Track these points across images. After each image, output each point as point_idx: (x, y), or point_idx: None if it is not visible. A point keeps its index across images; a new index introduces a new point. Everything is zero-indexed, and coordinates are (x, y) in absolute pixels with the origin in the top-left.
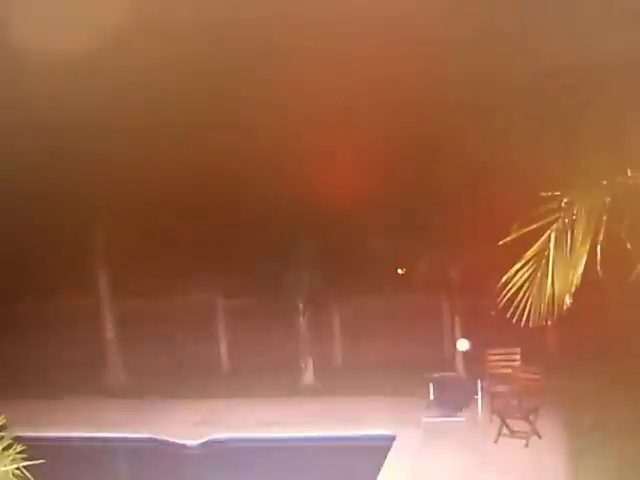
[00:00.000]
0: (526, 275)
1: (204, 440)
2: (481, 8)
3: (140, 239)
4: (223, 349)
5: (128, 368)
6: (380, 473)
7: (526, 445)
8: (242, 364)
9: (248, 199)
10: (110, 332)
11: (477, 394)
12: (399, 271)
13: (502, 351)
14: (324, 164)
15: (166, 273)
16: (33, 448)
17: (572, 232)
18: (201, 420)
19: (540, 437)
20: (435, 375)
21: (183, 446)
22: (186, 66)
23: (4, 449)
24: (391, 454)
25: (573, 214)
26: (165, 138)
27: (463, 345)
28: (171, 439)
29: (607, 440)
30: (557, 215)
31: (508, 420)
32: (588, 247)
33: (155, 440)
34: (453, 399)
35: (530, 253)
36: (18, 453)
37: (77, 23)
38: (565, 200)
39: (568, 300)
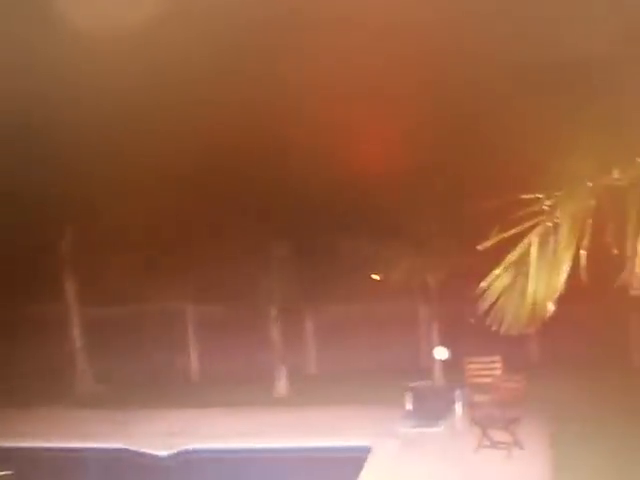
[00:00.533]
0: (507, 281)
1: (176, 451)
2: None
3: (109, 245)
4: (194, 357)
5: (97, 377)
6: None
7: (508, 456)
8: (214, 373)
9: (219, 203)
10: (79, 340)
11: (456, 404)
12: (375, 277)
13: (482, 359)
14: (297, 168)
15: (135, 279)
16: (1, 459)
17: (555, 236)
18: (172, 430)
19: (522, 448)
20: (412, 384)
21: (155, 457)
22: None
23: None
24: (367, 465)
25: (556, 217)
26: (137, 139)
27: (441, 353)
28: (142, 449)
29: (591, 451)
30: (539, 218)
31: (489, 430)
32: (572, 252)
33: (126, 451)
34: (431, 409)
35: (511, 258)
36: None
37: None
38: (548, 203)
39: (551, 307)
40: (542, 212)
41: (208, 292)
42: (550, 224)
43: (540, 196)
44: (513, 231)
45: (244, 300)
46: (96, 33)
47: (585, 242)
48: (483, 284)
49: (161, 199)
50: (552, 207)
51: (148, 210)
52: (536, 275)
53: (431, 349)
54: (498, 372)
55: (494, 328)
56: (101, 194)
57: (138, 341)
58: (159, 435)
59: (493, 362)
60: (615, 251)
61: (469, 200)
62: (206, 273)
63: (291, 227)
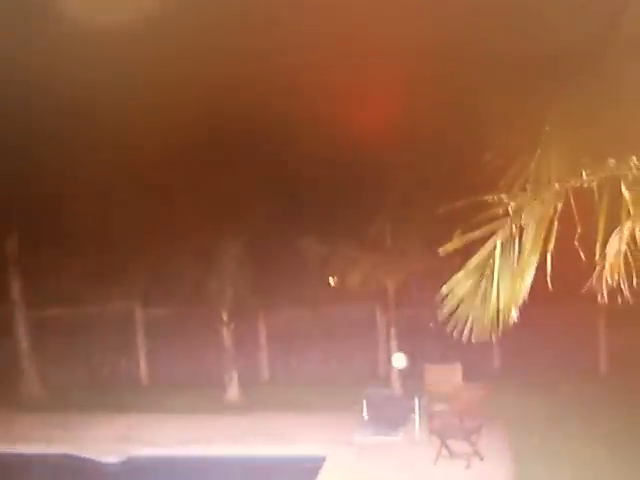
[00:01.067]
0: (469, 286)
1: (123, 457)
2: None
3: (55, 244)
4: (143, 361)
5: (43, 380)
6: None
7: (467, 467)
8: (163, 377)
9: (170, 202)
10: (24, 342)
11: (414, 412)
12: (330, 280)
13: (442, 367)
14: (251, 166)
15: (82, 280)
16: None
17: (520, 240)
18: (120, 436)
19: (482, 459)
20: (369, 391)
21: (102, 463)
22: None
23: None
24: (321, 475)
25: (521, 220)
26: (85, 140)
27: (399, 360)
28: (88, 456)
29: (554, 462)
30: (504, 221)
31: (448, 440)
32: (537, 256)
33: (71, 457)
34: (388, 417)
35: (473, 262)
36: None
37: None
38: (513, 205)
39: (514, 313)
40: (507, 214)
41: (157, 294)
42: (515, 227)
43: (504, 198)
44: (476, 234)
45: (194, 303)
46: None
47: (551, 246)
48: (444, 289)
49: (109, 197)
50: (517, 209)
51: (96, 210)
52: (500, 280)
53: (389, 355)
54: (458, 380)
55: (455, 335)
56: (48, 194)
57: (85, 344)
58: (107, 441)
59: (453, 370)
60: (583, 256)
61: (431, 201)
62: (155, 274)
63: (244, 227)
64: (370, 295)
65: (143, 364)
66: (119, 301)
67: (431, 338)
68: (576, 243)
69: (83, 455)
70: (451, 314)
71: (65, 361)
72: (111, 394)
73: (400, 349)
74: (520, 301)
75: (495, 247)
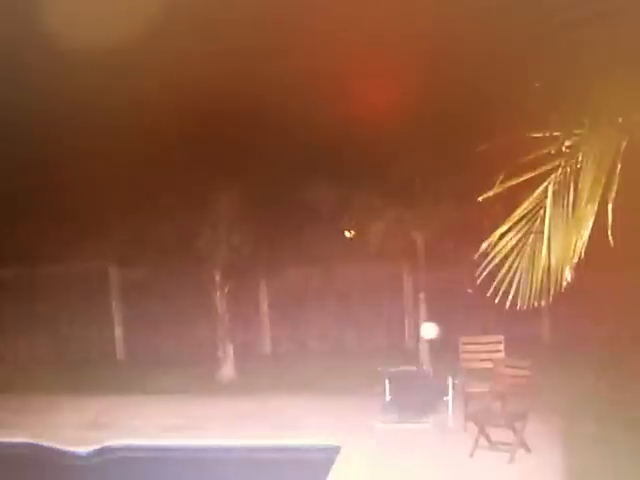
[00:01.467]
0: (514, 241)
1: (97, 447)
2: None
3: (8, 191)
4: (119, 332)
5: (0, 356)
6: None
7: (511, 460)
8: (144, 352)
9: (155, 141)
10: None
11: (447, 394)
12: (346, 234)
13: (481, 340)
14: (255, 96)
15: (44, 233)
16: None
17: (576, 186)
18: (91, 422)
19: (528, 450)
20: (392, 369)
21: (71, 454)
22: None
23: None
24: (334, 470)
25: (578, 162)
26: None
27: (429, 331)
28: (56, 445)
29: (611, 455)
30: (557, 163)
31: (488, 428)
32: (597, 206)
33: (35, 446)
34: (415, 400)
35: (520, 212)
36: None
37: None
38: (567, 143)
39: (569, 275)
40: (560, 155)
41: (136, 250)
42: (570, 170)
43: (557, 134)
44: (523, 178)
45: (181, 260)
46: None
47: (613, 193)
48: (484, 245)
49: (86, 136)
50: (572, 148)
51: (68, 148)
52: (551, 235)
53: (417, 325)
54: (501, 355)
55: (497, 300)
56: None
57: (48, 311)
58: (76, 428)
59: (495, 343)
60: None
61: (469, 138)
62: (134, 226)
63: (241, 167)
64: (395, 252)
65: (119, 336)
66: (90, 259)
67: (468, 304)
68: None
69: (47, 445)
70: (493, 275)
71: (25, 332)
72: (81, 372)
73: (430, 318)
74: (575, 260)
75: (546, 194)
